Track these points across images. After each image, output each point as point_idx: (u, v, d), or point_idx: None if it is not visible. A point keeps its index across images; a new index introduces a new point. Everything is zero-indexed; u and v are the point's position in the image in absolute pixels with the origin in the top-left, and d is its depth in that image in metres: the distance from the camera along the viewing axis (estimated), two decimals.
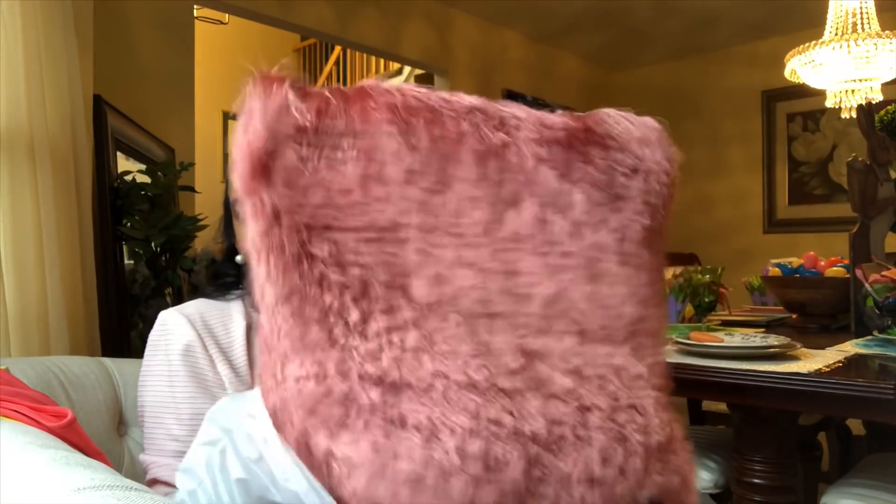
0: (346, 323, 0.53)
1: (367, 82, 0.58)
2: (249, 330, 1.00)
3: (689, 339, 1.37)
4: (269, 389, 0.56)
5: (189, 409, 0.91)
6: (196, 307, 0.99)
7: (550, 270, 0.59)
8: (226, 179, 1.07)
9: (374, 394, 0.52)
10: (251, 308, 1.02)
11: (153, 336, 0.96)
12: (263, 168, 0.53)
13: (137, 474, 0.95)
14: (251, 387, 0.94)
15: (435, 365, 0.53)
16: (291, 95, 0.55)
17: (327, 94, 0.56)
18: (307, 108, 0.55)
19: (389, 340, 0.53)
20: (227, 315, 1.00)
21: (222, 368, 0.94)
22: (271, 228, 0.53)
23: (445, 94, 0.59)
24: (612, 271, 0.62)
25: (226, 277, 1.05)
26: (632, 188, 0.64)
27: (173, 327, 0.95)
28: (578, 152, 0.62)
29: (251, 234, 0.54)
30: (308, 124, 0.54)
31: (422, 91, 0.58)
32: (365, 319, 0.53)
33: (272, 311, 0.54)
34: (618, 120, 0.68)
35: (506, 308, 0.57)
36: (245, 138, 0.54)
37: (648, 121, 0.72)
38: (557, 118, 0.64)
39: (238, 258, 1.04)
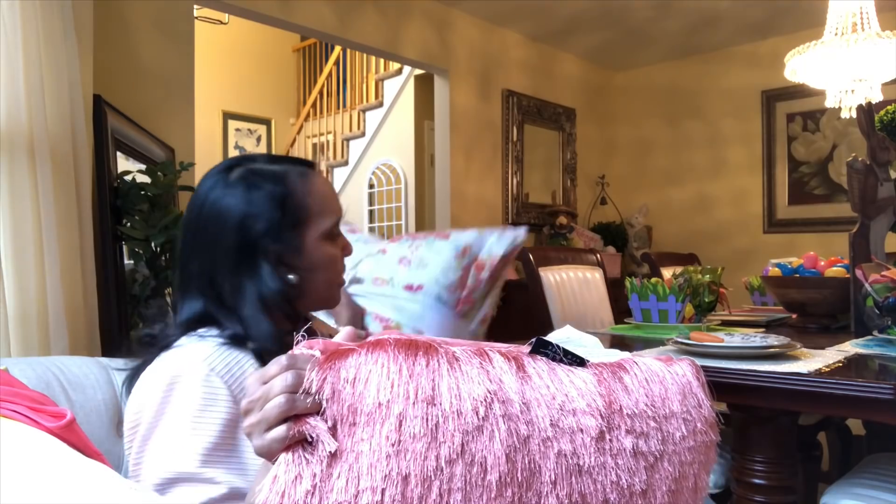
0: None
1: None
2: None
3: (689, 339, 1.37)
4: None
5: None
6: (213, 350, 0.84)
7: None
8: (288, 188, 1.03)
9: None
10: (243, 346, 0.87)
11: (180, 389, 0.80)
12: None
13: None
14: None
15: None
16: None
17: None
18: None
19: None
20: (242, 358, 0.85)
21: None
22: None
23: (469, 363, 0.58)
24: None
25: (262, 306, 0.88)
26: (655, 478, 0.61)
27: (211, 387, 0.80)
28: (605, 444, 0.59)
29: None
30: None
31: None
32: None
33: None
34: (646, 387, 0.64)
35: None
36: None
37: (679, 372, 0.67)
38: (584, 399, 0.61)
39: (292, 277, 0.90)
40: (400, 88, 5.04)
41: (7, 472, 0.58)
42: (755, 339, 1.39)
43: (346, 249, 1.00)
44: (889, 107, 2.21)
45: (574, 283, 2.36)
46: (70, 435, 0.71)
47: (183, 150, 2.55)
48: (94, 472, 0.61)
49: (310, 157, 6.07)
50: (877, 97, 2.55)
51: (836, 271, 1.89)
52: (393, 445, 0.53)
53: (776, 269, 2.00)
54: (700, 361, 1.27)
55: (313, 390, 0.54)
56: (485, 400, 0.56)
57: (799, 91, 3.73)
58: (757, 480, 1.31)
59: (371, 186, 5.36)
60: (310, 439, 0.54)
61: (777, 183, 4.28)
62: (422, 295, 0.87)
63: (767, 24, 4.01)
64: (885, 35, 2.31)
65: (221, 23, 4.36)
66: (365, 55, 5.24)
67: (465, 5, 3.80)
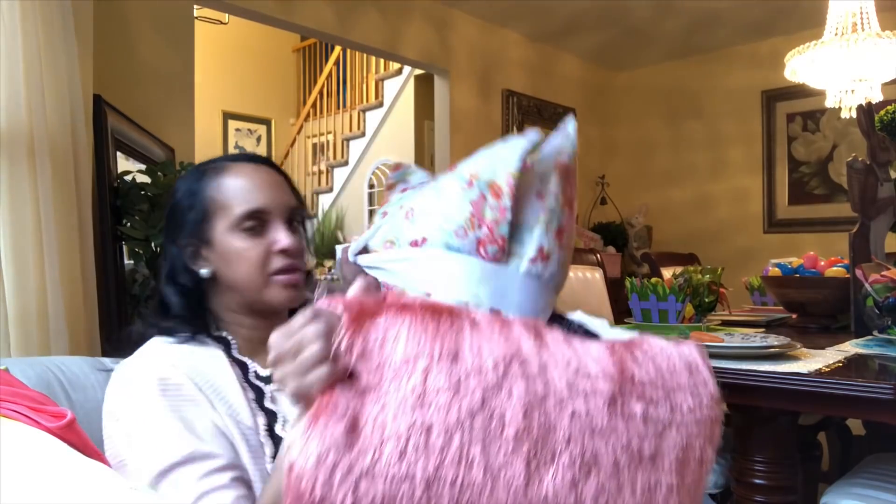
0: None
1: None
2: (227, 353, 0.92)
3: (689, 339, 1.37)
4: None
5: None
6: (165, 348, 0.89)
7: None
8: (196, 182, 0.99)
9: None
10: (210, 338, 0.93)
11: (122, 388, 0.85)
12: None
13: None
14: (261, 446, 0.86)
15: None
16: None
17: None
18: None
19: None
20: (203, 353, 0.90)
21: (220, 408, 0.85)
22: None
23: (489, 329, 0.61)
24: None
25: (173, 303, 0.94)
26: (664, 445, 0.63)
27: (164, 372, 0.85)
28: (616, 408, 0.62)
29: None
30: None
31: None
32: None
33: None
34: (655, 361, 0.66)
35: None
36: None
37: (686, 351, 0.68)
38: (598, 365, 0.63)
39: (204, 271, 0.94)
40: (400, 88, 5.04)
41: (7, 472, 0.58)
42: (755, 339, 1.39)
43: (277, 244, 0.93)
44: (889, 107, 2.21)
45: (574, 283, 2.37)
46: (70, 435, 0.71)
47: (183, 150, 2.55)
48: (95, 472, 0.61)
49: (310, 158, 6.08)
50: (877, 97, 2.55)
51: (836, 271, 1.89)
52: (418, 398, 0.56)
53: (776, 269, 2.00)
54: None
55: (343, 349, 0.57)
56: (504, 359, 0.59)
57: (799, 91, 3.73)
58: (757, 480, 1.31)
59: (371, 186, 5.36)
60: (349, 371, 0.58)
61: (777, 183, 4.28)
62: (428, 248, 0.76)
63: (767, 24, 4.01)
64: (885, 35, 2.31)
65: (221, 23, 4.37)
66: (365, 55, 5.25)
67: (465, 5, 3.80)
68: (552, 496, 0.58)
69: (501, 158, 0.77)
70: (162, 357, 0.87)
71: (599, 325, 0.79)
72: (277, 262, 0.92)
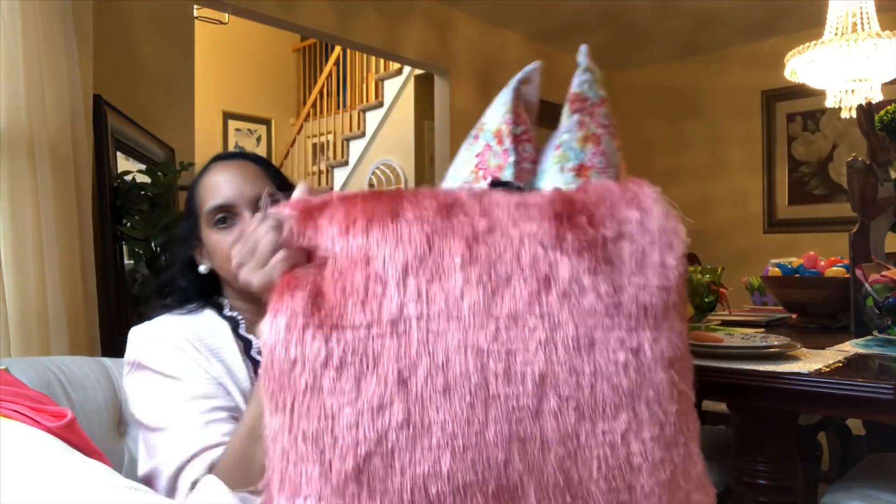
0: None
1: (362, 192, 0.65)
2: (232, 332, 0.99)
3: (689, 339, 1.37)
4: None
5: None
6: (169, 318, 0.98)
7: (544, 345, 0.59)
8: (190, 187, 1.07)
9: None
10: (223, 314, 1.02)
11: (135, 352, 0.95)
12: None
13: (136, 474, 0.95)
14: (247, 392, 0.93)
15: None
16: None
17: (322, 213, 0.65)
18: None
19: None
20: (205, 322, 0.99)
21: (216, 364, 0.93)
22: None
23: (428, 193, 0.64)
24: (605, 338, 0.61)
25: (180, 289, 1.03)
26: (622, 252, 0.63)
27: (159, 332, 0.95)
28: (562, 223, 0.63)
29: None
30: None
31: (411, 192, 0.64)
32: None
33: None
34: (597, 189, 0.67)
35: (503, 391, 0.58)
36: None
37: (645, 188, 0.68)
38: (538, 196, 0.65)
39: (202, 268, 1.02)
40: (400, 88, 5.04)
41: (7, 472, 0.58)
42: (755, 339, 1.39)
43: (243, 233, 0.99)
44: (889, 107, 2.21)
45: None
46: (70, 434, 0.71)
47: (183, 150, 2.55)
48: (95, 472, 0.61)
49: (310, 158, 6.08)
50: (877, 97, 2.55)
51: (836, 271, 1.89)
52: (364, 255, 0.60)
53: (776, 269, 2.00)
54: (700, 361, 1.27)
55: (295, 235, 0.63)
56: (445, 206, 0.62)
57: (799, 91, 3.73)
58: (757, 480, 1.31)
59: (371, 186, 5.36)
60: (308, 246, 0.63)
61: (777, 183, 4.28)
62: None
63: (767, 24, 4.01)
64: (885, 35, 2.31)
65: (221, 23, 4.36)
66: (365, 55, 5.24)
67: (465, 5, 3.80)
68: (517, 312, 0.59)
69: (500, 101, 0.77)
70: (165, 322, 0.97)
71: None
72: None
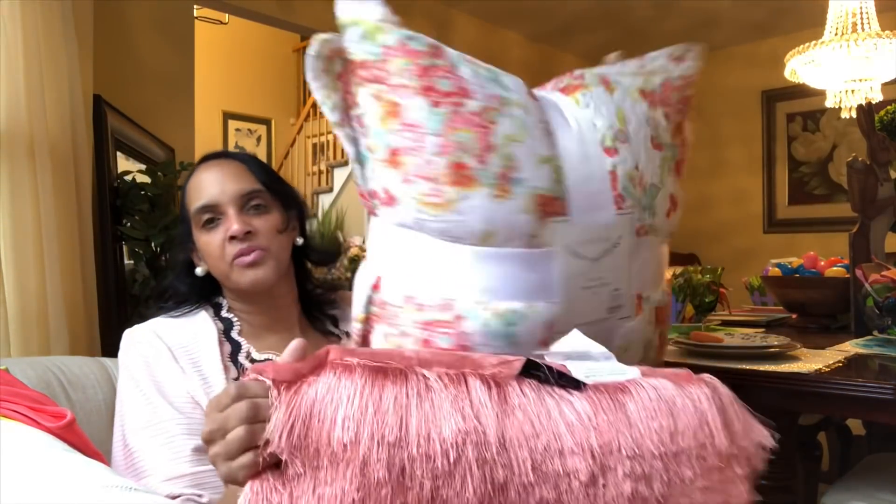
0: None
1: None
2: (221, 335, 1.00)
3: (689, 339, 1.37)
4: None
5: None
6: (162, 321, 1.00)
7: None
8: (182, 189, 1.07)
9: None
10: (220, 315, 1.03)
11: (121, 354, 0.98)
12: None
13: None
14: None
15: None
16: None
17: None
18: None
19: None
20: (192, 328, 1.00)
21: (192, 377, 0.94)
22: None
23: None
24: None
25: (178, 291, 1.04)
26: None
27: (145, 338, 0.97)
28: (598, 489, 0.56)
29: None
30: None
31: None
32: None
33: None
34: (650, 420, 0.59)
35: None
36: None
37: (694, 395, 0.62)
38: (574, 436, 0.57)
39: (198, 270, 1.03)
40: None
41: (7, 472, 0.58)
42: (755, 339, 1.39)
43: (228, 232, 0.98)
44: (889, 107, 2.20)
45: None
46: (70, 435, 0.71)
47: (183, 150, 2.55)
48: (94, 472, 0.61)
49: (310, 158, 6.07)
50: (877, 97, 2.55)
51: (836, 271, 1.89)
52: (358, 490, 0.50)
53: (776, 269, 2.00)
54: (700, 361, 1.27)
55: (275, 438, 0.51)
56: (457, 442, 0.51)
57: (799, 91, 3.73)
58: (756, 480, 1.31)
59: None
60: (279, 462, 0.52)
61: (777, 183, 4.28)
62: None
63: (767, 24, 4.01)
64: (885, 35, 2.31)
65: (221, 23, 4.36)
66: None
67: (465, 5, 3.80)
68: None
69: None
70: (154, 326, 0.99)
71: (597, 352, 0.66)
72: (231, 249, 0.98)
